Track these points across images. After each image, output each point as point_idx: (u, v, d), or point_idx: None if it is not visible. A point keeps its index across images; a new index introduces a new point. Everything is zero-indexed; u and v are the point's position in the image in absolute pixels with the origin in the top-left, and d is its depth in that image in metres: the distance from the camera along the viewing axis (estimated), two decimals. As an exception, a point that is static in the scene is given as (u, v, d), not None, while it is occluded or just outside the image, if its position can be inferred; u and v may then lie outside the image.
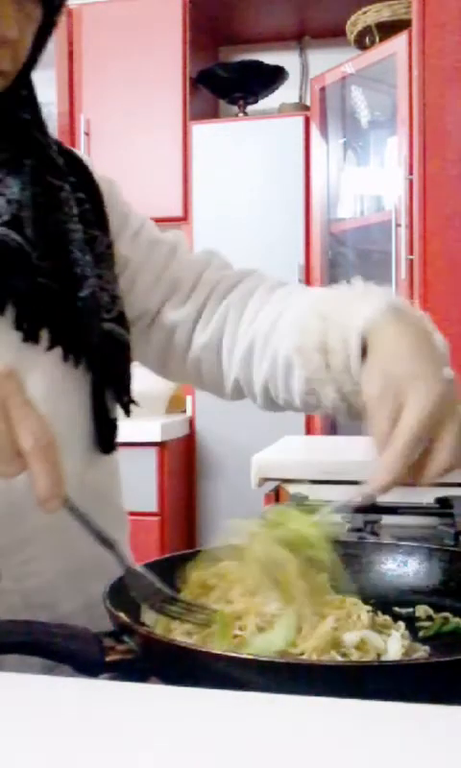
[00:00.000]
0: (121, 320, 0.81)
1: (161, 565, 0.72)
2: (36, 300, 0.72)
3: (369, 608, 0.62)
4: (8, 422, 0.53)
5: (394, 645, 0.58)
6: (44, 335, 0.73)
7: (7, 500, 0.69)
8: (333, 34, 2.77)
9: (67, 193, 0.81)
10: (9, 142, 0.75)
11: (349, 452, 1.56)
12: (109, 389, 0.79)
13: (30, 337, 0.72)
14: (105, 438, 0.80)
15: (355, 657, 0.56)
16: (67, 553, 0.76)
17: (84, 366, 0.77)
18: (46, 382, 0.74)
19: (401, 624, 0.63)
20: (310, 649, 0.56)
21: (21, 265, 0.72)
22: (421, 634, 0.64)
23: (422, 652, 0.60)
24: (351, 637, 0.57)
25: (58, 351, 0.74)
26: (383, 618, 0.64)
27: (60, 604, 0.75)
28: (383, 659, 0.57)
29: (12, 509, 0.71)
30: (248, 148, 2.66)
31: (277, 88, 2.85)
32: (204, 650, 0.54)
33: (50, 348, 0.74)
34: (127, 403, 0.82)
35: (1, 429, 0.52)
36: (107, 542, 0.61)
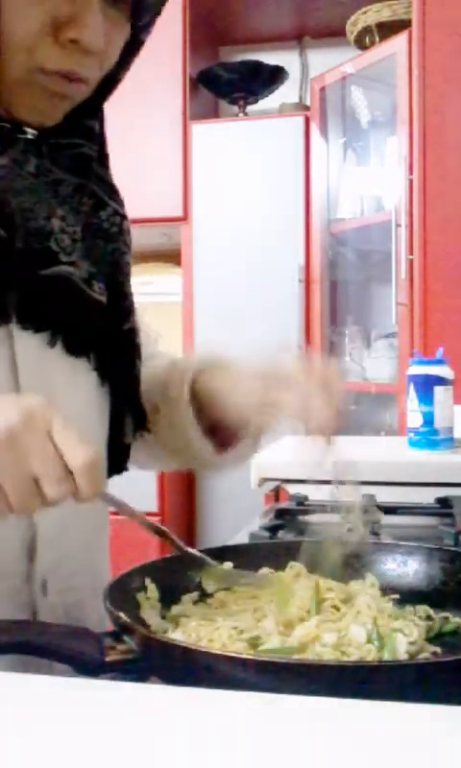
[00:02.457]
0: (139, 350, 0.84)
1: (162, 566, 0.72)
2: (88, 330, 0.76)
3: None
4: (56, 448, 0.57)
5: (400, 645, 0.58)
6: (91, 358, 0.76)
7: (58, 514, 0.70)
8: (333, 34, 2.77)
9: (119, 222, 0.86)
10: (72, 173, 0.76)
11: (348, 452, 1.56)
12: (128, 414, 0.81)
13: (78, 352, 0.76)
14: (117, 460, 0.82)
15: (355, 657, 0.56)
16: (96, 571, 0.79)
17: (108, 389, 0.79)
18: (86, 402, 0.77)
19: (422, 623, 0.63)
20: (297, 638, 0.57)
21: (80, 298, 0.75)
22: (421, 634, 0.64)
23: (426, 653, 0.60)
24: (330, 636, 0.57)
25: (95, 375, 0.77)
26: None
27: (87, 619, 0.76)
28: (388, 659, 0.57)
29: (61, 522, 0.73)
30: (248, 148, 2.66)
31: (277, 88, 2.85)
32: (204, 650, 0.54)
33: (94, 370, 0.77)
34: (142, 427, 0.84)
35: (51, 454, 0.57)
36: (158, 530, 0.69)
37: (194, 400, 0.81)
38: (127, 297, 0.82)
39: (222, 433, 0.83)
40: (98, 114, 0.79)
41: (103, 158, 0.82)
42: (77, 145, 0.77)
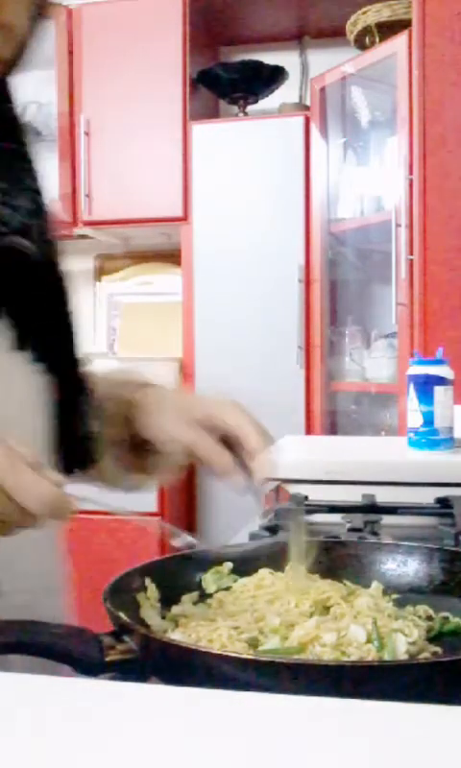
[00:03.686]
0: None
1: (161, 566, 0.72)
2: (31, 310, 0.73)
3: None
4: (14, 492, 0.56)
5: (400, 645, 0.58)
6: (28, 344, 0.73)
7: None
8: (333, 34, 2.77)
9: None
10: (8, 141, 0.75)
11: (349, 452, 1.56)
12: (81, 403, 0.79)
13: (20, 346, 0.72)
14: (79, 453, 0.79)
15: (355, 657, 0.56)
16: (47, 570, 0.79)
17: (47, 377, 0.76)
18: (28, 393, 0.74)
19: (421, 623, 0.63)
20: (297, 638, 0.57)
21: (29, 274, 0.72)
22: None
23: (427, 653, 0.60)
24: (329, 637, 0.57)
25: (36, 364, 0.74)
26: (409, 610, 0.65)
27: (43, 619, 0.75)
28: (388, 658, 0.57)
29: None
30: (248, 148, 2.66)
31: (277, 88, 2.85)
32: (203, 650, 0.54)
33: (34, 359, 0.74)
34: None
35: (4, 502, 0.56)
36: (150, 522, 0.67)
37: (119, 419, 0.79)
38: (65, 277, 0.78)
39: (133, 455, 0.81)
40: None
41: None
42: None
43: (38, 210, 0.75)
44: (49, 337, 0.75)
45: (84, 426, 0.79)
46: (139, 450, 0.81)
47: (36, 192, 0.76)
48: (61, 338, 0.77)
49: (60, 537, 0.82)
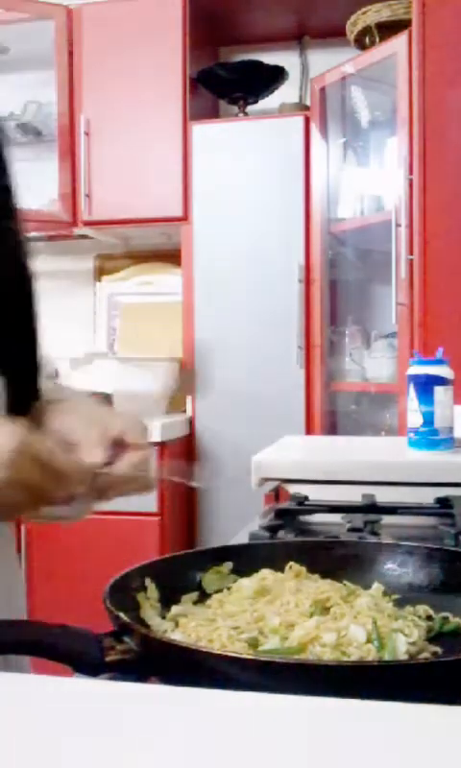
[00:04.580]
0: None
1: (161, 566, 0.72)
2: None
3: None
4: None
5: (400, 645, 0.58)
6: None
7: None
8: (333, 34, 2.77)
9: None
10: None
11: (349, 452, 1.56)
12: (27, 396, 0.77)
13: None
14: None
15: (355, 657, 0.56)
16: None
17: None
18: None
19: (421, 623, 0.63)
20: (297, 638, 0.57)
21: None
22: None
23: (427, 653, 0.60)
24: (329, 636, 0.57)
25: None
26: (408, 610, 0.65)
27: None
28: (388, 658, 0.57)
29: None
30: (248, 148, 2.66)
31: (277, 88, 2.85)
32: (203, 650, 0.54)
33: None
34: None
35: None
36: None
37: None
38: (27, 282, 0.76)
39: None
40: None
41: None
42: None
43: (3, 208, 0.73)
44: (7, 340, 0.74)
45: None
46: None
47: (3, 190, 0.75)
48: (21, 343, 0.75)
49: (11, 542, 0.80)
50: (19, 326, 0.76)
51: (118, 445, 0.71)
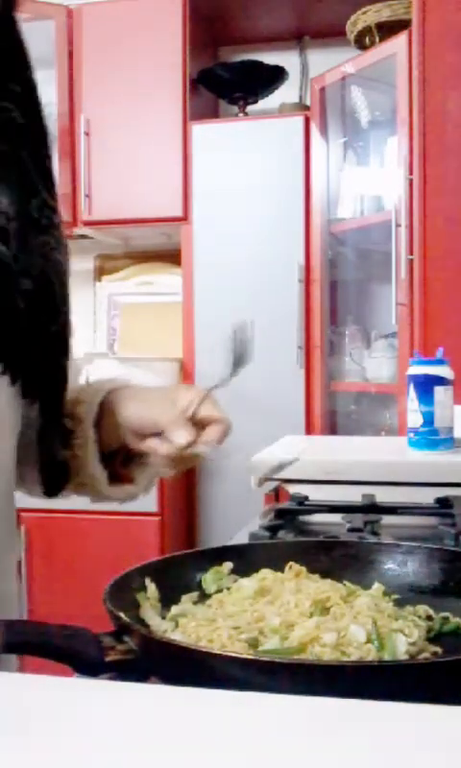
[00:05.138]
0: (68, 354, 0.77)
1: (161, 566, 0.72)
2: (8, 323, 0.68)
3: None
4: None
5: (400, 645, 0.58)
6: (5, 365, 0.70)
7: None
8: (333, 34, 2.77)
9: (49, 214, 0.74)
10: None
11: (349, 452, 1.56)
12: (57, 428, 0.77)
13: None
14: (55, 479, 0.78)
15: (355, 657, 0.56)
16: None
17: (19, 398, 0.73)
18: (5, 415, 0.71)
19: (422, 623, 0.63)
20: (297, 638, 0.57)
21: (3, 280, 0.67)
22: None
23: (427, 653, 0.60)
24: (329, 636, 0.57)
25: (10, 381, 0.70)
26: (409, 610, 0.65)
27: None
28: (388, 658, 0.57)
29: None
30: (248, 148, 2.66)
31: (277, 88, 2.85)
32: (203, 650, 0.54)
33: (12, 379, 0.70)
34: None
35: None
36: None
37: (101, 424, 0.78)
38: (56, 295, 0.73)
39: (119, 465, 0.81)
40: (18, 77, 0.71)
41: (40, 135, 0.73)
42: (4, 109, 0.69)
43: (22, 213, 0.69)
44: (31, 358, 0.71)
45: (62, 450, 0.77)
46: (126, 460, 0.81)
47: (30, 194, 0.71)
48: (47, 360, 0.73)
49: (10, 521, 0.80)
50: (40, 344, 0.72)
51: (197, 422, 0.74)
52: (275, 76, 2.81)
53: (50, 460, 0.77)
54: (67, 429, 0.77)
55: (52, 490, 0.79)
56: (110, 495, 0.80)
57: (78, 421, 0.77)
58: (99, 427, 0.78)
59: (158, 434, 0.74)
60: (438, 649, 0.61)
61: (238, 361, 0.74)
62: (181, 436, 0.72)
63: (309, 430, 2.58)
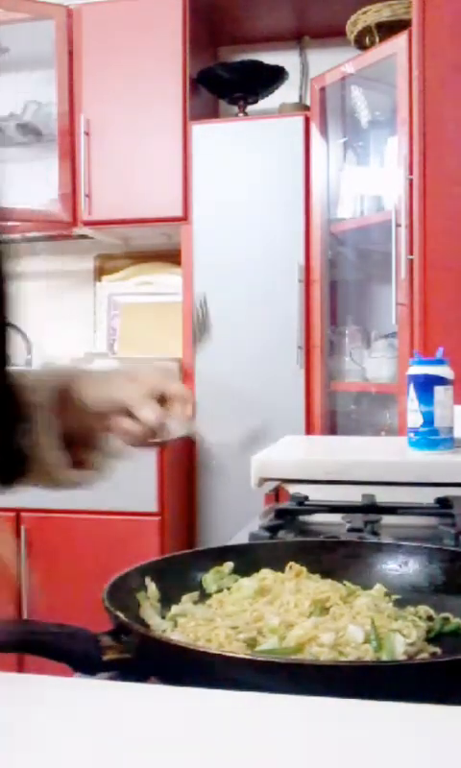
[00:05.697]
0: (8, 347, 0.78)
1: (161, 566, 0.72)
2: None
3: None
4: None
5: (399, 646, 0.58)
6: None
7: None
8: (333, 34, 2.77)
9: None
10: None
11: (349, 452, 1.56)
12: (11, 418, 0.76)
13: None
14: (8, 470, 0.77)
15: (353, 657, 0.56)
16: None
17: None
18: None
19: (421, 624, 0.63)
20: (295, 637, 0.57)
21: None
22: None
23: (426, 654, 0.60)
24: (328, 636, 0.57)
25: None
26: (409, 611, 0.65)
27: None
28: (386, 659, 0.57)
29: None
30: (248, 148, 2.66)
31: (277, 88, 2.85)
32: (200, 649, 0.54)
33: None
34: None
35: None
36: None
37: (59, 410, 0.78)
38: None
39: (77, 451, 0.80)
40: None
41: None
42: None
43: None
44: None
45: (18, 439, 0.76)
46: (80, 445, 0.80)
47: None
48: None
49: None
50: None
51: (161, 400, 0.76)
52: (275, 76, 2.81)
53: (5, 448, 0.76)
54: (23, 416, 0.76)
55: (7, 479, 0.77)
56: (67, 481, 0.79)
57: (35, 408, 0.77)
58: (57, 413, 0.77)
59: (125, 415, 0.75)
60: (437, 650, 0.61)
61: (201, 329, 0.75)
62: (151, 413, 0.74)
63: (309, 430, 2.58)
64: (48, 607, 2.45)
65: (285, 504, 1.18)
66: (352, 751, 0.38)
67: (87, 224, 2.80)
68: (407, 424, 1.45)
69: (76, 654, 0.56)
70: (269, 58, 2.86)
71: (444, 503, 1.14)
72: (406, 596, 0.69)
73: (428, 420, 1.41)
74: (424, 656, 0.60)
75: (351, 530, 0.97)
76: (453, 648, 0.62)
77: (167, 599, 0.69)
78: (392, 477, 1.26)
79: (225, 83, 2.79)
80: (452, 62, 2.21)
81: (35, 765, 0.38)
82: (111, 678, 0.55)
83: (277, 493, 1.38)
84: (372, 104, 2.62)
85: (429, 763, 0.37)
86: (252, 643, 0.59)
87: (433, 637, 0.64)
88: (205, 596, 0.71)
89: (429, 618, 0.66)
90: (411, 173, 2.25)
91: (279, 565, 0.72)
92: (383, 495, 1.16)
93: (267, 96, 2.86)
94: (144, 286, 3.08)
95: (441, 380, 1.42)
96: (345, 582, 0.69)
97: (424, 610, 0.67)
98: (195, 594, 0.71)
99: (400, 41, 2.31)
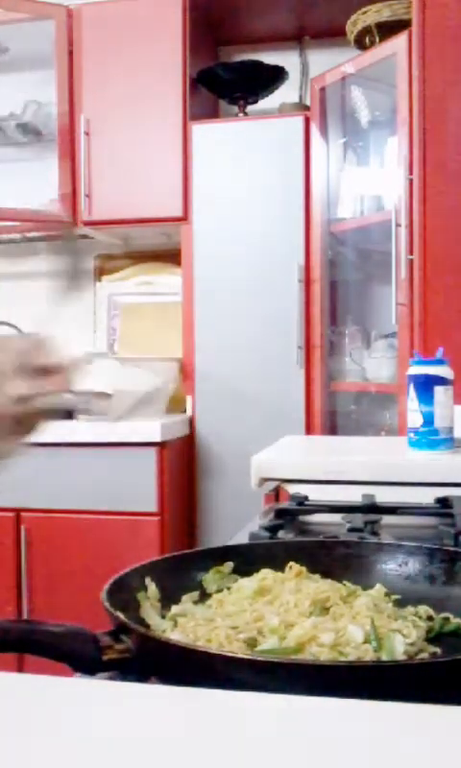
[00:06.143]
0: None
1: (161, 566, 0.72)
2: None
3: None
4: None
5: (398, 645, 0.58)
6: None
7: None
8: (333, 34, 2.77)
9: None
10: None
11: (349, 452, 1.56)
12: None
13: None
14: None
15: (353, 657, 0.56)
16: None
17: None
18: None
19: (421, 624, 0.63)
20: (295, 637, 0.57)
21: None
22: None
23: (426, 654, 0.60)
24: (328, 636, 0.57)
25: None
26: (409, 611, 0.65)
27: None
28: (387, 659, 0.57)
29: None
30: (248, 148, 2.66)
31: (277, 88, 2.85)
32: (199, 649, 0.54)
33: None
34: None
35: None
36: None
37: None
38: None
39: None
40: None
41: None
42: None
43: None
44: None
45: None
46: None
47: None
48: None
49: None
50: None
51: (40, 371, 0.67)
52: (275, 76, 2.81)
53: None
54: None
55: None
56: None
57: None
58: None
59: None
60: (437, 650, 0.61)
61: (71, 278, 0.71)
62: (19, 386, 0.66)
63: (309, 430, 2.58)
64: (48, 607, 2.46)
65: (285, 504, 1.18)
66: (352, 751, 0.38)
67: (87, 224, 2.80)
68: (407, 424, 1.45)
69: (76, 654, 0.56)
70: (269, 58, 2.86)
71: (444, 503, 1.14)
72: (406, 596, 0.69)
73: (428, 420, 1.41)
74: (425, 656, 0.60)
75: (351, 530, 0.97)
76: (453, 648, 0.62)
77: (167, 599, 0.69)
78: (392, 477, 1.26)
79: (225, 83, 2.80)
80: (452, 62, 2.22)
81: (34, 765, 0.38)
82: (111, 678, 0.55)
83: (277, 494, 1.38)
84: (372, 104, 2.62)
85: (429, 763, 0.37)
86: (252, 643, 0.59)
87: (433, 637, 0.64)
88: (205, 596, 0.71)
89: (429, 618, 0.66)
90: (411, 173, 2.25)
91: (278, 565, 0.72)
92: (383, 495, 1.16)
93: (267, 96, 2.86)
94: (144, 286, 3.08)
95: (441, 380, 1.42)
96: (345, 582, 0.69)
97: (423, 610, 0.67)
98: (195, 594, 0.71)
99: (399, 41, 2.31)
